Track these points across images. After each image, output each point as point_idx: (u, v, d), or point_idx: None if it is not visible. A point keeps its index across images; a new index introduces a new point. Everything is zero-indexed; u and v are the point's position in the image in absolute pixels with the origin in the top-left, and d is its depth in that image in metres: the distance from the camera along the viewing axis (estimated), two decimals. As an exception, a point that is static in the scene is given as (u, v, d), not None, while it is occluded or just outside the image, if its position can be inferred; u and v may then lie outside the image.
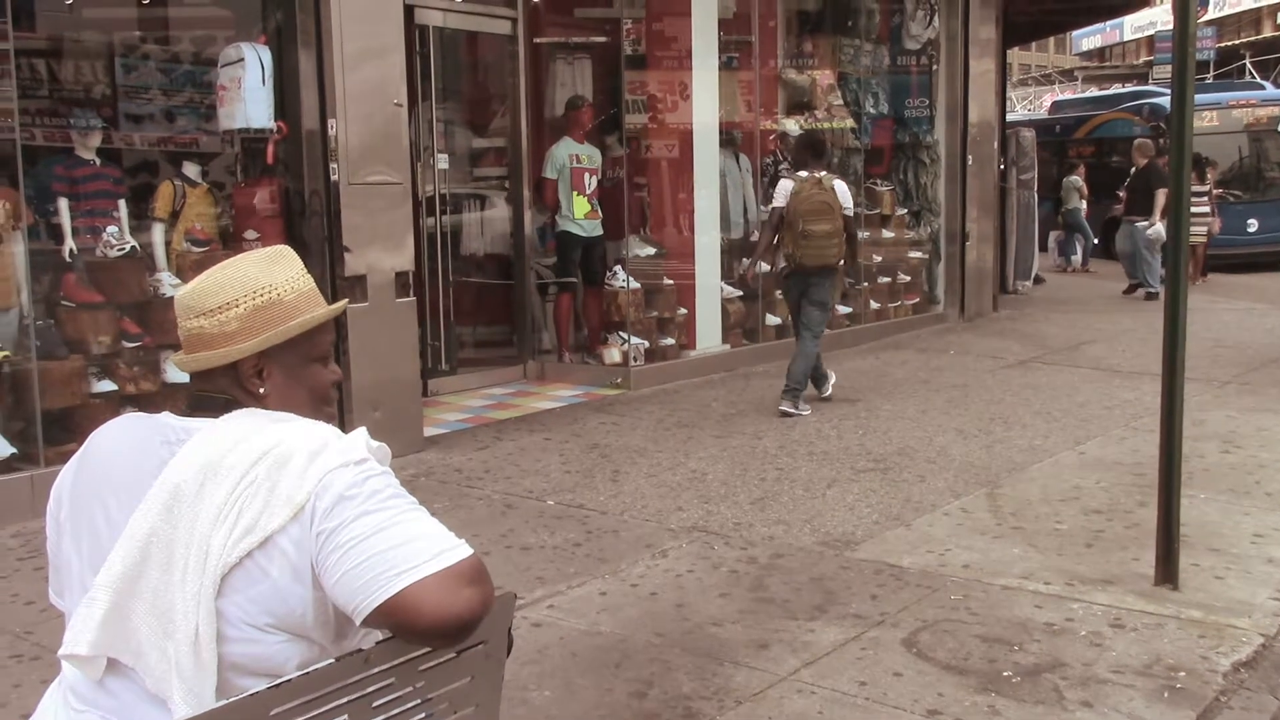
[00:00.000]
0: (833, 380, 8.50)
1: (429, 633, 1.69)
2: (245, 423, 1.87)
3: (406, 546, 1.69)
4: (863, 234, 11.82)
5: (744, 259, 9.47)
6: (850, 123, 11.93)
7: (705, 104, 9.83)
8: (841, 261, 8.12)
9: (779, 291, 10.52)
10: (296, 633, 1.77)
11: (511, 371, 9.50)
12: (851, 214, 8.10)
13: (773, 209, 8.13)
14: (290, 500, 1.74)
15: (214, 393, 1.93)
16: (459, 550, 1.72)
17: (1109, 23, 40.17)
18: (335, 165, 6.68)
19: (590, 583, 4.82)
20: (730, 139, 10.35)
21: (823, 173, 8.04)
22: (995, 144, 13.66)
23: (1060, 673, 3.92)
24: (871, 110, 12.36)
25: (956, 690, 3.79)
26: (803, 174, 8.02)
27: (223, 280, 1.93)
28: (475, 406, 8.46)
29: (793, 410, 7.90)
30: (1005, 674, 3.91)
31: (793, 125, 11.41)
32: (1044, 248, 17.78)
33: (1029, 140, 15.88)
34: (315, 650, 1.79)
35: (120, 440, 1.91)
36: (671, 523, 5.63)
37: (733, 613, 4.48)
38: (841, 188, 8.02)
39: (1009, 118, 17.72)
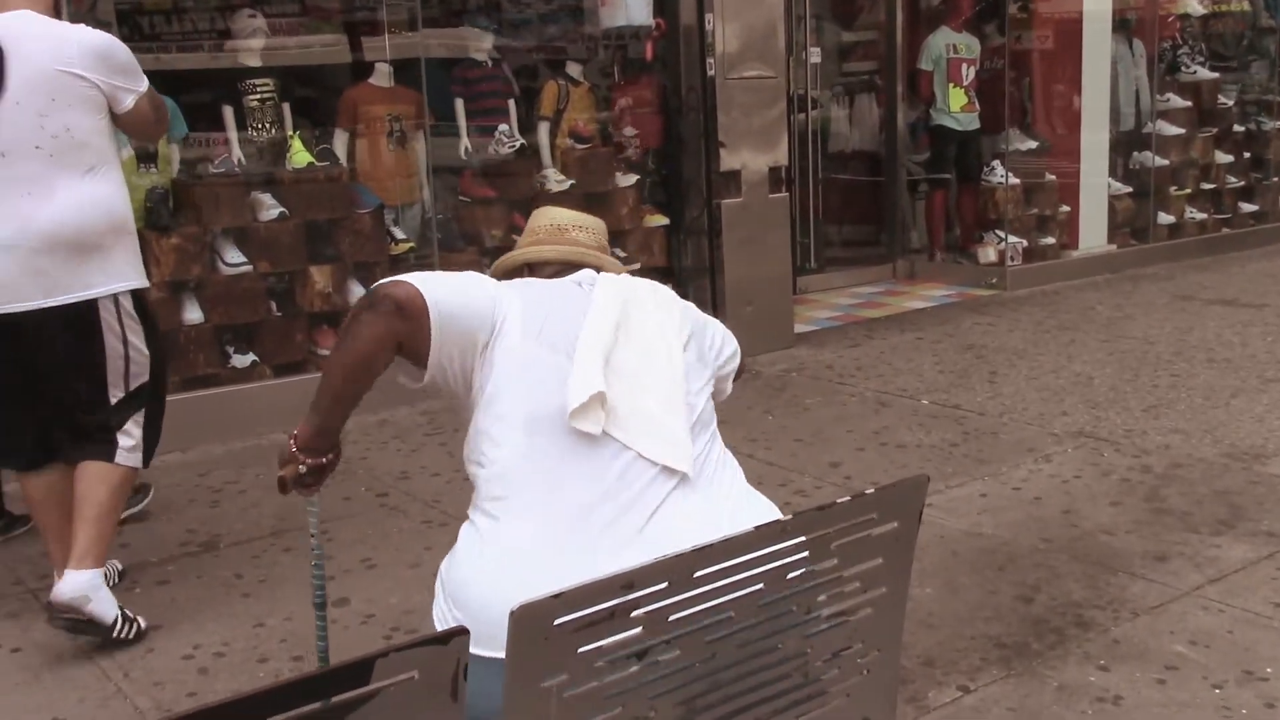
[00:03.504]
0: None
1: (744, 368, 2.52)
2: None
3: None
4: (1274, 124, 10.75)
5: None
6: (1246, 5, 10.82)
7: (1097, -15, 9.13)
8: None
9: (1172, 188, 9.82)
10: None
11: (880, 270, 9.32)
12: None
13: None
14: (685, 318, 2.31)
15: None
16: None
17: None
18: (712, 61, 6.68)
19: (969, 484, 4.68)
20: (1123, 23, 9.56)
21: None
22: None
23: None
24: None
25: (1392, 620, 3.42)
26: None
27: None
28: (844, 304, 8.37)
29: None
30: None
31: (1195, 6, 10.47)
32: None
33: None
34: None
35: (548, 284, 2.33)
36: (1055, 427, 5.36)
37: (1126, 522, 4.23)
38: None
39: None
